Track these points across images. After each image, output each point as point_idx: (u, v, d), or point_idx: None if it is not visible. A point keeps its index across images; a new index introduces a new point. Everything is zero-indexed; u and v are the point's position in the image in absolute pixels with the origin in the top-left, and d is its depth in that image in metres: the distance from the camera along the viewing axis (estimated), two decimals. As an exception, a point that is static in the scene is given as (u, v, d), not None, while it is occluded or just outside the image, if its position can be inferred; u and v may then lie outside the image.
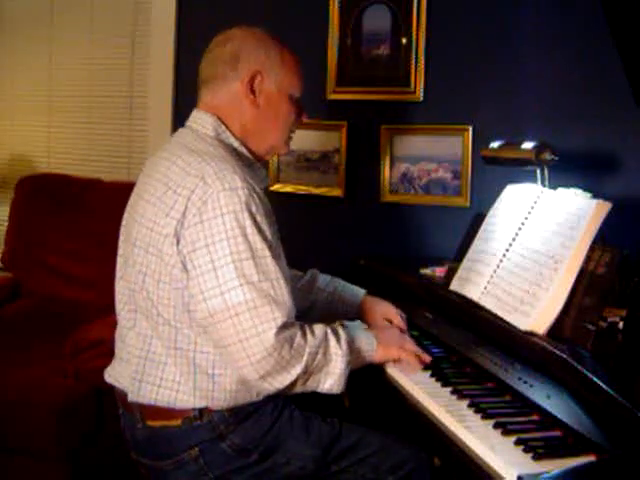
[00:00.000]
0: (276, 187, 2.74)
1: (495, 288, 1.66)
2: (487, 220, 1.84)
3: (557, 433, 1.32)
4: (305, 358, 1.44)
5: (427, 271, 2.10)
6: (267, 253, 1.43)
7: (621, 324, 1.53)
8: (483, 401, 1.47)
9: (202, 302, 1.41)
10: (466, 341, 1.70)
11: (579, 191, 1.64)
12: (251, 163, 1.60)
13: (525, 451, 1.24)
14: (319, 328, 1.50)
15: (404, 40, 2.54)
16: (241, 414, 1.52)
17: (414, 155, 2.56)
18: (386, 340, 1.65)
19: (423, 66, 2.52)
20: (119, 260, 1.62)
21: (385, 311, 1.87)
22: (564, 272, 1.50)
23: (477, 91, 2.45)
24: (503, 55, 2.40)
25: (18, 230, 3.01)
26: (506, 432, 1.32)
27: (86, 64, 3.21)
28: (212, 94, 1.61)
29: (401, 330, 1.78)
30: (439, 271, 2.05)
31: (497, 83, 2.42)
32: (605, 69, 2.21)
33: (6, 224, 3.06)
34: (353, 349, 1.54)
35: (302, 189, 2.74)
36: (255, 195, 1.45)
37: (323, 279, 1.93)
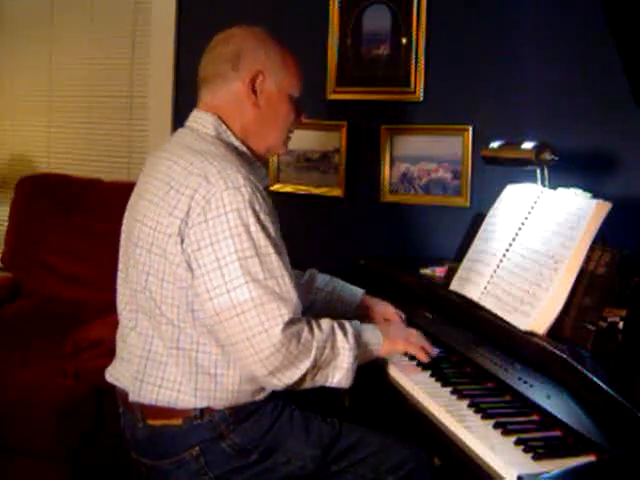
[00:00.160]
0: (276, 187, 2.74)
1: (495, 288, 1.66)
2: (487, 220, 1.84)
3: (557, 433, 1.32)
4: (313, 353, 1.44)
5: (427, 271, 2.10)
6: (271, 250, 1.43)
7: (621, 324, 1.53)
8: (483, 401, 1.47)
9: (208, 301, 1.41)
10: (466, 341, 1.70)
11: (579, 191, 1.64)
12: (251, 162, 1.60)
13: (525, 451, 1.24)
14: (326, 322, 1.51)
15: (404, 40, 2.54)
16: (241, 414, 1.52)
17: (414, 155, 2.56)
18: (392, 334, 1.66)
19: (423, 66, 2.52)
20: (121, 260, 1.62)
21: (384, 311, 1.88)
22: (564, 272, 1.50)
23: (477, 91, 2.45)
24: (503, 55, 2.41)
25: (18, 230, 3.01)
26: (506, 432, 1.32)
27: (86, 64, 3.22)
28: (212, 93, 1.61)
29: None
30: (439, 271, 2.05)
31: (497, 83, 2.42)
32: (605, 69, 2.21)
33: (6, 224, 3.06)
34: (360, 343, 1.55)
35: (302, 189, 2.74)
36: (258, 193, 1.46)
37: (322, 279, 1.94)
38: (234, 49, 1.59)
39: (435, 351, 1.69)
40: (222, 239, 1.40)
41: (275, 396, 1.55)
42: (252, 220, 1.42)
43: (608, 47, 2.02)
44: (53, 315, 2.75)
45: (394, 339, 1.65)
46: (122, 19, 3.12)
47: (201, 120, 1.60)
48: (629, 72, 1.96)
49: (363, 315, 1.87)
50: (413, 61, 2.52)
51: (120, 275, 1.62)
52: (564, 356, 1.38)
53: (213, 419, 1.49)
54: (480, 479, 1.24)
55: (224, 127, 1.59)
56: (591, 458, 1.21)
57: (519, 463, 1.21)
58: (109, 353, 1.66)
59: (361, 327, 1.60)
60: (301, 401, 1.60)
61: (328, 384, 1.51)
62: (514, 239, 1.69)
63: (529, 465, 1.20)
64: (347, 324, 1.55)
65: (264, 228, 1.44)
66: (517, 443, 1.27)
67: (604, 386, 1.24)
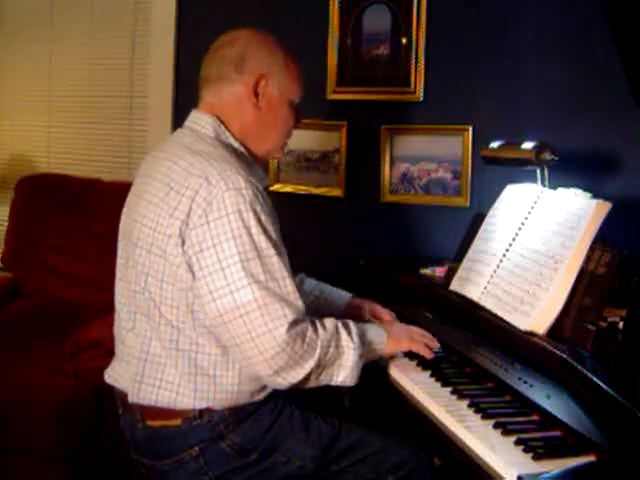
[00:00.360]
0: (276, 187, 2.74)
1: (495, 288, 1.66)
2: (487, 220, 1.84)
3: (557, 433, 1.32)
4: (318, 352, 1.44)
5: (427, 271, 2.10)
6: (272, 252, 1.43)
7: (621, 324, 1.53)
8: (483, 401, 1.47)
9: (211, 302, 1.41)
10: (466, 341, 1.70)
11: (579, 191, 1.64)
12: (250, 163, 1.60)
13: (525, 451, 1.24)
14: (330, 322, 1.51)
15: (404, 40, 2.55)
16: (241, 414, 1.52)
17: (414, 155, 2.56)
18: (396, 333, 1.67)
19: (423, 66, 2.52)
20: (118, 261, 1.62)
21: (374, 309, 1.89)
22: (564, 272, 1.50)
23: (477, 91, 2.45)
24: (503, 55, 2.41)
25: (18, 230, 3.01)
26: (506, 432, 1.32)
27: (86, 64, 3.22)
28: (214, 94, 1.61)
29: None
30: (439, 271, 2.05)
31: (497, 83, 2.42)
32: (605, 69, 2.21)
33: (6, 224, 3.06)
34: (364, 342, 1.55)
35: (302, 189, 2.74)
36: (259, 195, 1.46)
37: (309, 283, 1.95)
38: (239, 51, 1.60)
39: (437, 345, 1.70)
40: (224, 240, 1.40)
41: (275, 396, 1.55)
42: (253, 222, 1.42)
43: (608, 47, 2.02)
44: (53, 315, 2.75)
45: (398, 338, 1.66)
46: (122, 19, 3.12)
47: (200, 121, 1.60)
48: (629, 72, 1.96)
49: (353, 315, 1.86)
50: (413, 61, 2.52)
51: (117, 276, 1.62)
52: (564, 356, 1.38)
53: (212, 419, 1.49)
54: (480, 479, 1.24)
55: (223, 128, 1.59)
56: (591, 458, 1.21)
57: (519, 463, 1.20)
58: (109, 353, 1.66)
59: (365, 326, 1.61)
60: (301, 401, 1.60)
61: (333, 383, 1.51)
62: (514, 239, 1.69)
63: (529, 465, 1.20)
64: (351, 323, 1.56)
65: (265, 230, 1.44)
66: (517, 443, 1.27)
67: (604, 386, 1.24)
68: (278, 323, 1.40)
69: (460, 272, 1.82)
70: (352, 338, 1.51)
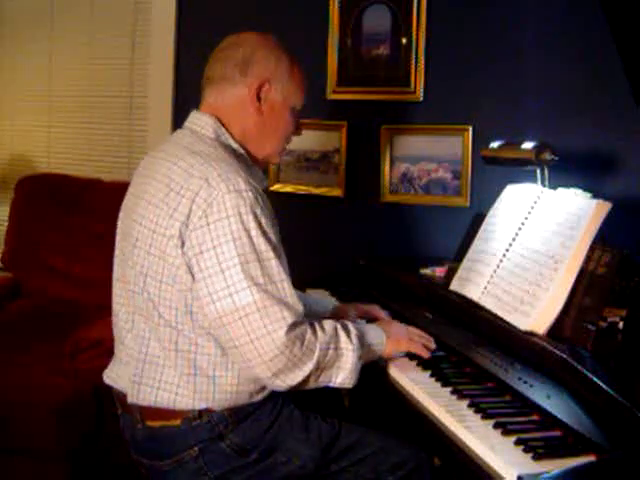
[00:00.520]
0: (276, 187, 2.74)
1: (495, 288, 1.66)
2: (487, 220, 1.84)
3: (557, 433, 1.32)
4: (317, 354, 1.45)
5: (427, 271, 2.10)
6: (271, 255, 1.43)
7: (621, 324, 1.53)
8: (483, 401, 1.46)
9: (211, 304, 1.41)
10: (466, 341, 1.70)
11: (579, 191, 1.64)
12: (249, 165, 1.60)
13: (525, 451, 1.24)
14: (328, 324, 1.51)
15: (404, 40, 2.55)
16: (240, 414, 1.52)
17: (414, 155, 2.56)
18: (394, 334, 1.67)
19: (423, 66, 2.52)
20: (116, 261, 1.62)
21: (369, 311, 1.92)
22: (564, 272, 1.50)
23: (477, 91, 2.45)
24: (503, 55, 2.41)
25: (18, 230, 3.01)
26: (506, 432, 1.32)
27: (86, 64, 3.22)
28: (216, 95, 1.61)
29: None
30: (439, 271, 2.05)
31: (497, 83, 2.42)
32: (605, 69, 2.21)
33: (6, 224, 3.06)
34: (363, 343, 1.55)
35: (302, 189, 2.74)
36: (259, 197, 1.46)
37: None
38: (245, 54, 1.59)
39: (433, 345, 1.70)
40: (224, 242, 1.40)
41: (274, 396, 1.55)
42: (253, 224, 1.42)
43: (608, 47, 2.02)
44: (53, 315, 2.75)
45: (397, 338, 1.66)
46: (122, 19, 3.12)
47: (200, 122, 1.59)
48: (629, 72, 1.96)
49: (339, 316, 1.86)
50: (413, 61, 2.52)
51: (115, 276, 1.62)
52: (564, 356, 1.38)
53: (212, 419, 1.49)
54: (480, 479, 1.24)
55: (223, 130, 1.59)
56: (591, 458, 1.21)
57: (519, 463, 1.20)
58: (109, 353, 1.66)
59: (364, 327, 1.62)
60: (301, 401, 1.60)
61: (332, 384, 1.51)
62: (514, 239, 1.69)
63: (529, 465, 1.20)
64: (350, 325, 1.56)
65: (265, 233, 1.44)
66: (517, 443, 1.27)
67: (604, 386, 1.24)
68: (277, 326, 1.40)
69: (460, 272, 1.82)
70: (351, 340, 1.51)
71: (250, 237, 1.42)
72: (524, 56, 2.36)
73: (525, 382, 1.45)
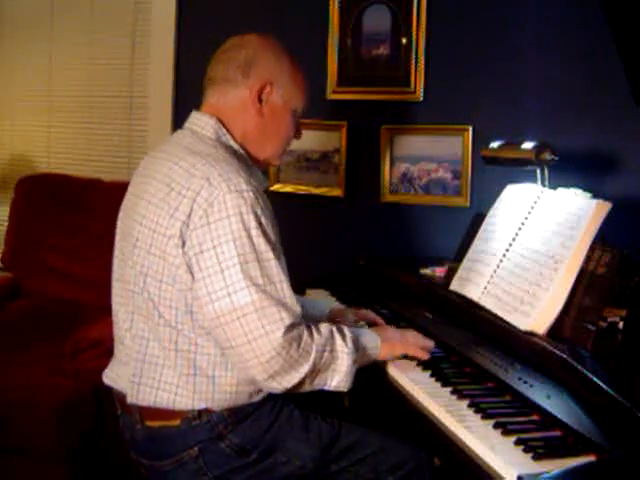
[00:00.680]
0: (276, 187, 2.74)
1: (495, 288, 1.66)
2: (487, 220, 1.84)
3: (557, 433, 1.32)
4: (313, 356, 1.44)
5: (427, 271, 2.10)
6: (271, 256, 1.43)
7: (621, 324, 1.53)
8: (483, 401, 1.46)
9: (209, 303, 1.41)
10: (466, 341, 1.70)
11: (579, 191, 1.64)
12: (249, 165, 1.60)
13: (525, 451, 1.24)
14: (325, 327, 1.51)
15: (404, 40, 2.55)
16: (240, 414, 1.52)
17: (414, 155, 2.56)
18: (389, 337, 1.66)
19: (423, 66, 2.52)
20: (115, 261, 1.62)
21: (366, 317, 1.91)
22: (564, 272, 1.50)
23: (477, 91, 2.45)
24: (503, 55, 2.41)
25: (18, 230, 3.01)
26: (506, 432, 1.32)
27: (86, 64, 3.22)
28: (218, 96, 1.61)
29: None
30: (439, 271, 2.05)
31: (497, 83, 2.42)
32: (605, 69, 2.21)
33: (6, 224, 3.06)
34: (359, 347, 1.55)
35: (302, 189, 2.74)
36: (260, 198, 1.46)
37: None
38: (248, 56, 1.59)
39: (431, 345, 1.70)
40: (224, 242, 1.40)
41: (274, 396, 1.55)
42: (253, 225, 1.42)
43: (608, 47, 2.02)
44: (53, 315, 2.75)
45: (392, 343, 1.65)
46: (122, 19, 3.12)
47: (200, 122, 1.59)
48: (629, 72, 1.96)
49: (335, 320, 1.85)
50: (413, 61, 2.53)
51: (114, 276, 1.62)
52: (564, 356, 1.38)
53: (211, 420, 1.49)
54: (480, 479, 1.24)
55: (224, 130, 1.59)
56: (591, 458, 1.21)
57: (519, 463, 1.20)
58: (109, 353, 1.66)
59: (359, 331, 1.61)
60: (300, 401, 1.60)
61: (327, 387, 1.51)
62: (514, 239, 1.69)
63: (529, 465, 1.20)
64: (346, 329, 1.55)
65: (265, 233, 1.44)
66: (517, 443, 1.27)
67: (604, 386, 1.24)
68: (275, 327, 1.40)
69: (460, 272, 1.82)
70: (346, 343, 1.51)
71: (250, 237, 1.42)
72: (524, 56, 2.36)
73: (525, 382, 1.45)
